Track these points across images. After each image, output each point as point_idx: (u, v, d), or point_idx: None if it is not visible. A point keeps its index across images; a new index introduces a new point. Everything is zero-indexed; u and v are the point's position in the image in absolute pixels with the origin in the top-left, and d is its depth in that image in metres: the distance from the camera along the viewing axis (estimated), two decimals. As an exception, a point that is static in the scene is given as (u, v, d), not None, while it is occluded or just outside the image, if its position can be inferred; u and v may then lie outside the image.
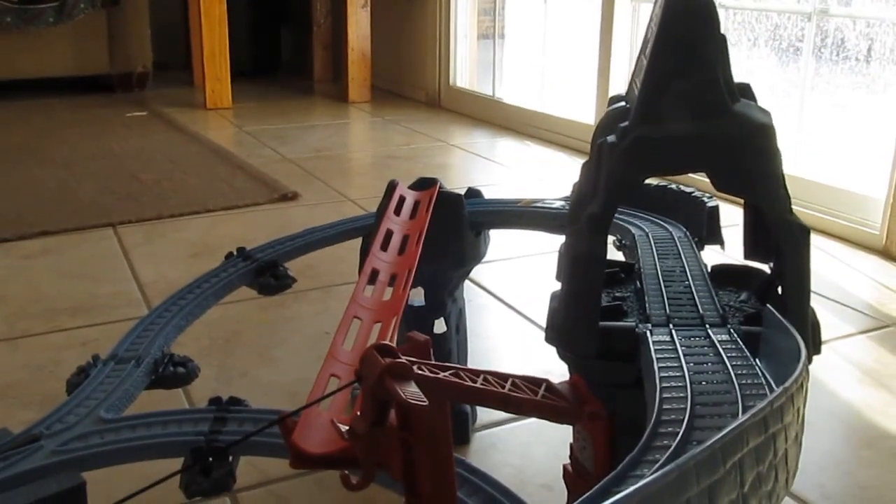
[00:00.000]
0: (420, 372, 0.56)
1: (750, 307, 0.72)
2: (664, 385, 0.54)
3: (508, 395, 0.60)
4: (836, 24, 2.18)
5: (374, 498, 1.02)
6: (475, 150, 2.93)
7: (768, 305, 0.61)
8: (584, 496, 0.41)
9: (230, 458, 0.71)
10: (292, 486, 1.04)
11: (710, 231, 0.96)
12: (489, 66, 3.51)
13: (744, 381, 0.54)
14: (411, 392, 0.53)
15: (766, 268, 0.80)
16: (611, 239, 0.82)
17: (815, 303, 0.74)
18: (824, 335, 0.75)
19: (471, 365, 0.71)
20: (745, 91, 0.70)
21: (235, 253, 1.10)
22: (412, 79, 3.90)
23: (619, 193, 0.67)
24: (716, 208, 0.97)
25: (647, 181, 0.84)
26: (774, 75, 2.37)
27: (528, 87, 3.36)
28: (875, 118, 2.16)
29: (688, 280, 0.75)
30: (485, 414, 1.19)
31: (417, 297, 1.13)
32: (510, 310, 1.58)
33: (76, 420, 0.74)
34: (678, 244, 0.87)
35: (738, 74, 0.70)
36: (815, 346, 0.71)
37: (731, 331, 0.64)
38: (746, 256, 0.81)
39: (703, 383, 0.55)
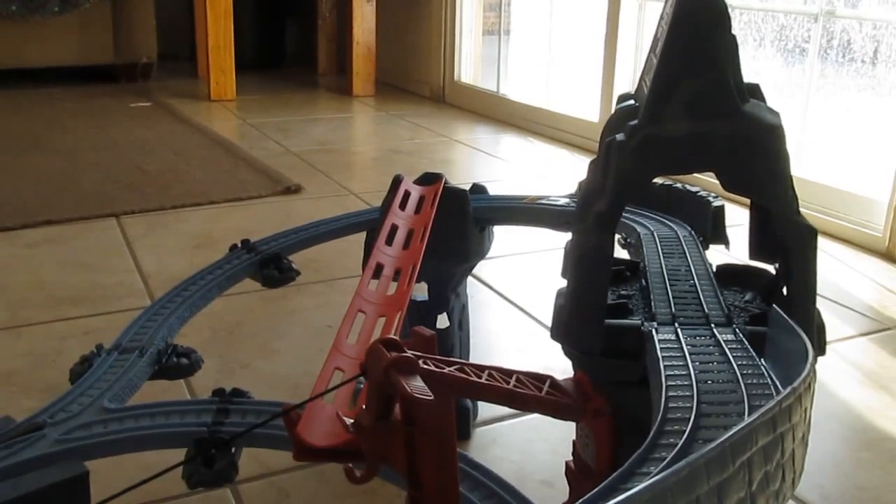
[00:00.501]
0: (426, 366, 0.56)
1: (755, 307, 0.72)
2: (670, 383, 0.54)
3: (513, 391, 0.60)
4: (843, 25, 2.17)
5: (376, 491, 1.02)
6: (479, 146, 2.93)
7: (775, 306, 0.61)
8: (592, 492, 0.41)
9: (233, 449, 0.72)
10: (293, 479, 1.04)
11: (715, 231, 0.96)
12: (494, 61, 3.51)
13: (750, 381, 0.54)
14: (417, 386, 0.53)
15: (770, 268, 0.80)
16: (616, 237, 0.82)
17: (817, 304, 0.74)
18: (825, 336, 0.75)
19: (473, 361, 0.71)
20: (755, 91, 0.70)
21: (240, 245, 1.10)
22: (417, 73, 3.90)
23: (628, 192, 0.67)
24: (721, 208, 0.97)
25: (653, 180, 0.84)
26: (780, 76, 2.36)
27: (533, 83, 3.36)
28: (880, 121, 2.16)
29: (693, 279, 0.76)
30: (485, 410, 1.19)
31: (420, 292, 1.13)
32: (512, 306, 1.58)
33: (80, 409, 0.74)
34: (683, 243, 0.87)
35: (744, 74, 0.70)
36: (819, 347, 0.71)
37: (737, 331, 0.64)
38: (752, 257, 0.81)
39: (709, 382, 0.55)
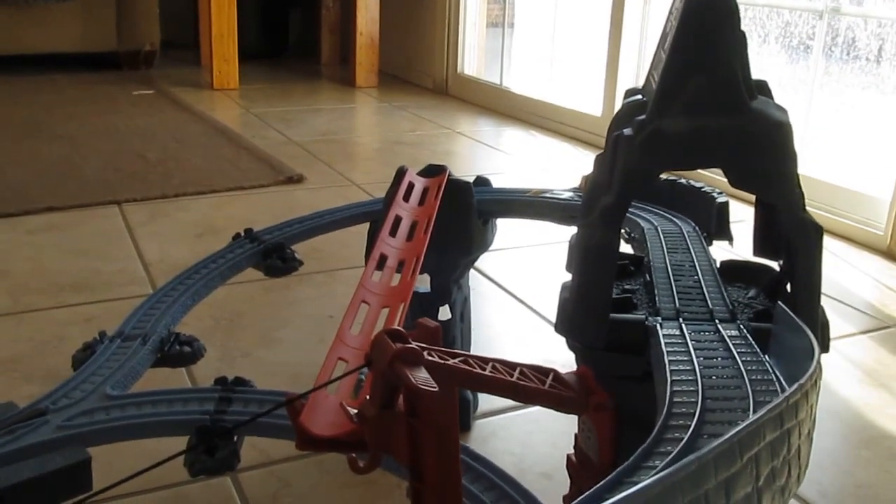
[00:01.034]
0: (430, 358, 0.56)
1: (759, 304, 0.72)
2: (675, 378, 0.54)
3: (517, 383, 0.60)
4: (848, 22, 2.17)
5: (376, 481, 1.02)
6: (481, 139, 2.93)
7: (780, 303, 0.61)
8: (598, 485, 0.41)
9: (235, 438, 0.72)
10: (293, 468, 1.04)
11: (718, 227, 0.96)
12: (497, 54, 3.50)
13: (754, 378, 0.54)
14: (421, 377, 0.53)
15: (774, 265, 0.80)
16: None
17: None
18: (826, 334, 0.75)
19: (473, 353, 0.71)
20: (763, 88, 0.70)
21: (243, 234, 1.10)
22: (420, 65, 3.89)
23: (634, 186, 0.67)
24: (725, 204, 0.97)
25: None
26: (783, 72, 2.36)
27: (536, 76, 3.36)
28: (883, 119, 2.16)
29: (697, 275, 0.76)
30: (486, 402, 1.19)
31: (423, 284, 1.13)
32: (514, 299, 1.58)
33: (82, 396, 0.74)
34: (687, 239, 0.87)
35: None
36: (823, 345, 0.71)
37: (741, 327, 0.64)
38: (756, 253, 0.81)
39: (714, 378, 0.55)
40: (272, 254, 1.07)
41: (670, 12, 0.71)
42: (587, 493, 0.40)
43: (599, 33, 2.85)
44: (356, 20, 3.73)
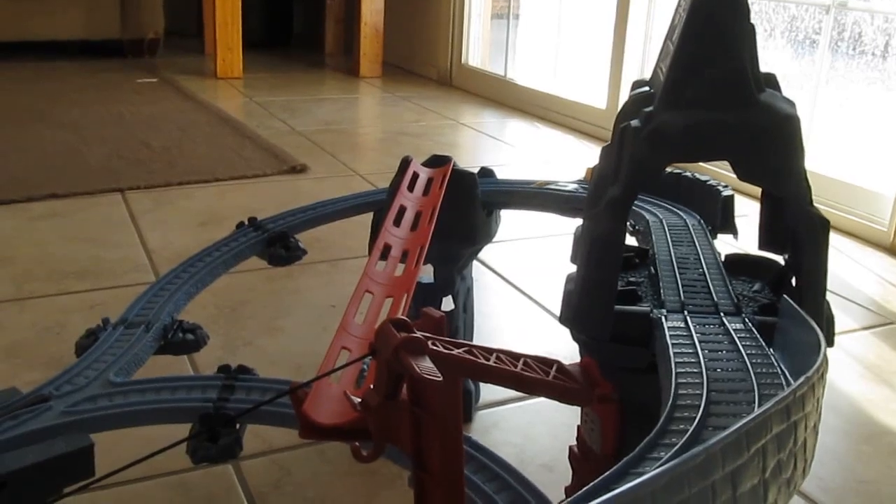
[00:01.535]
0: (434, 348, 0.56)
1: (764, 297, 0.72)
2: (679, 370, 0.54)
3: (521, 374, 0.60)
4: (855, 17, 2.16)
5: (377, 471, 1.02)
6: (485, 130, 2.92)
7: (785, 296, 0.61)
8: (604, 475, 0.41)
9: (238, 426, 0.72)
10: (295, 457, 1.05)
11: (723, 220, 0.96)
12: (502, 45, 3.49)
13: (759, 370, 0.54)
14: (425, 367, 0.53)
15: (779, 259, 0.80)
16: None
17: (823, 296, 0.74)
18: (829, 329, 0.75)
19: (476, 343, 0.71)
20: (771, 81, 0.70)
21: (246, 223, 1.10)
22: (424, 56, 3.88)
23: (641, 178, 0.67)
24: (730, 198, 0.97)
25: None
26: (789, 67, 2.35)
27: (541, 68, 3.35)
28: (889, 115, 2.15)
29: (702, 268, 0.75)
30: (487, 393, 1.19)
31: (426, 274, 1.13)
32: (517, 291, 1.58)
33: (86, 382, 0.74)
34: (692, 232, 0.87)
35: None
36: (828, 339, 0.71)
37: (746, 320, 0.64)
38: (761, 247, 0.80)
39: (719, 370, 0.55)
40: (276, 242, 1.06)
41: (679, 4, 0.71)
42: (594, 482, 0.40)
43: (605, 26, 2.84)
44: (361, 10, 3.73)
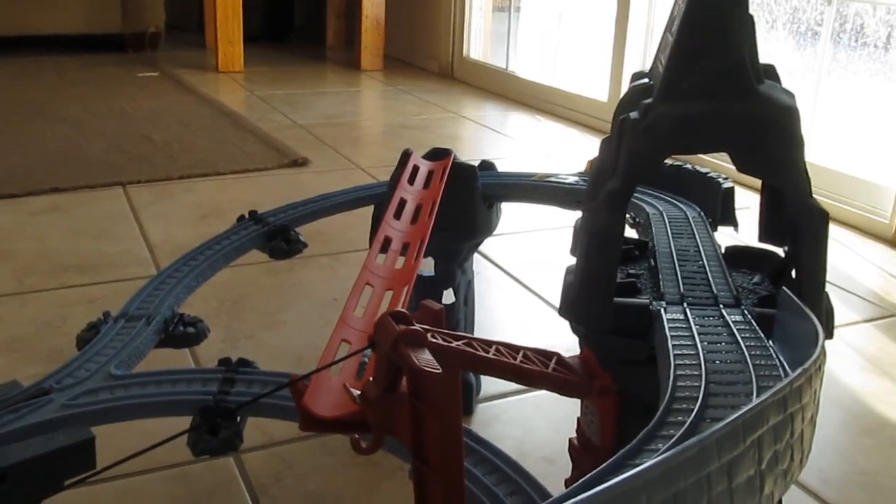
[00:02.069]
0: (434, 340, 0.56)
1: (763, 290, 0.72)
2: (678, 362, 0.54)
3: (521, 366, 0.60)
4: (857, 9, 2.16)
5: (378, 463, 1.03)
6: (486, 123, 2.92)
7: (784, 288, 0.61)
8: (601, 467, 0.41)
9: (238, 418, 0.72)
10: (296, 449, 1.05)
11: (724, 212, 0.95)
12: (503, 38, 3.49)
13: (758, 363, 0.54)
14: (425, 359, 0.53)
15: (779, 251, 0.80)
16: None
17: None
18: (829, 322, 0.75)
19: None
20: (770, 72, 0.70)
21: (247, 216, 1.10)
22: (425, 49, 3.88)
23: (640, 170, 0.67)
24: (731, 190, 0.97)
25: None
26: (791, 59, 2.35)
27: (542, 61, 3.34)
28: (890, 107, 2.15)
29: (702, 260, 0.75)
30: (488, 386, 1.19)
31: (426, 268, 1.13)
32: (517, 284, 1.58)
33: (86, 375, 0.74)
34: (692, 224, 0.87)
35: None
36: (827, 331, 0.71)
37: (745, 312, 0.64)
38: (761, 239, 0.80)
39: (717, 362, 0.55)
40: (277, 236, 1.06)
41: (678, -5, 0.71)
42: (590, 474, 0.40)
43: (606, 18, 2.83)
44: (362, 3, 3.72)
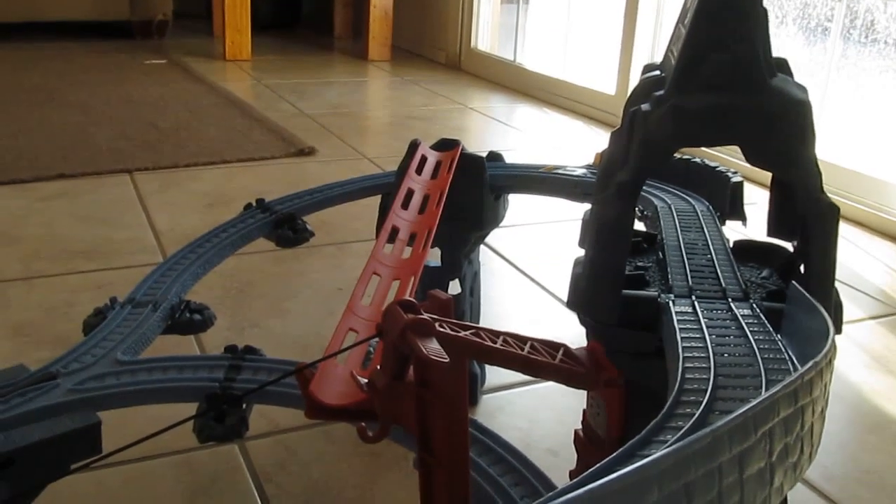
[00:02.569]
0: (441, 329, 0.56)
1: (772, 284, 0.72)
2: (686, 355, 0.54)
3: (528, 357, 0.60)
4: (867, 4, 2.14)
5: (382, 453, 1.03)
6: (493, 115, 2.92)
7: (794, 282, 0.61)
8: (610, 457, 0.41)
9: (244, 405, 0.72)
10: (301, 437, 1.05)
11: (732, 207, 0.95)
12: (511, 30, 3.48)
13: (767, 356, 0.54)
14: (432, 349, 0.53)
15: (788, 246, 0.80)
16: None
17: (831, 284, 0.73)
18: (836, 318, 0.75)
19: (485, 327, 0.71)
20: (783, 66, 0.69)
21: (254, 204, 1.10)
22: (433, 40, 3.87)
23: (651, 163, 0.66)
24: (740, 184, 0.96)
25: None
26: (801, 54, 2.34)
27: (550, 53, 3.33)
28: (900, 104, 2.14)
29: (710, 253, 0.75)
30: (493, 377, 1.19)
31: (433, 258, 1.13)
32: (524, 276, 1.58)
33: (93, 360, 0.74)
34: (701, 218, 0.86)
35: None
36: (836, 325, 0.70)
37: (754, 305, 0.64)
38: (770, 233, 0.80)
39: (726, 355, 0.54)
40: (283, 224, 1.06)
41: (691, -13, 0.70)
42: (600, 464, 0.40)
43: (615, 11, 2.82)
44: (370, -7, 3.71)
